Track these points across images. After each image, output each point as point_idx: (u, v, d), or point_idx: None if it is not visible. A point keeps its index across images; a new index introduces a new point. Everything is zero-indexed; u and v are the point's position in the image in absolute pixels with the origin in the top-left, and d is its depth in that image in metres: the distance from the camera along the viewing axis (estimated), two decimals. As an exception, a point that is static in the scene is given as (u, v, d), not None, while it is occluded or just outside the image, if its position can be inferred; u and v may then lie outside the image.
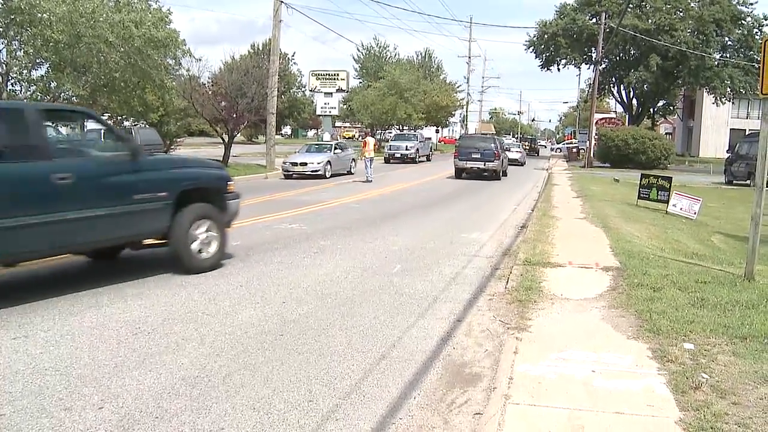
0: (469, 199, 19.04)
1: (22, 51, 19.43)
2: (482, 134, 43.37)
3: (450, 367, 5.37)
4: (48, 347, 5.61)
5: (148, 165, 8.21)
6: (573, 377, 4.79)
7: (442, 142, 75.61)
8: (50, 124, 9.71)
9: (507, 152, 37.23)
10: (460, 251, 10.53)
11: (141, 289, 7.63)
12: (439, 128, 75.59)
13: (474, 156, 28.29)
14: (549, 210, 15.52)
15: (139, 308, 6.83)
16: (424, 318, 6.70)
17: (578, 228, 12.69)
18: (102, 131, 12.47)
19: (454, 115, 72.16)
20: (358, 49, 77.57)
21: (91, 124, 11.80)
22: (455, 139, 66.68)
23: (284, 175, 27.41)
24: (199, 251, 8.47)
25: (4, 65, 19.62)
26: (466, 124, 68.93)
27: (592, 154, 43.25)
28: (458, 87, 74.31)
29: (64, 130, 13.19)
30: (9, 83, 20.00)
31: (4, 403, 4.45)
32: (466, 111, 71.23)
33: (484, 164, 28.21)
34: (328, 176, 27.09)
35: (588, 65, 57.19)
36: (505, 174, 30.61)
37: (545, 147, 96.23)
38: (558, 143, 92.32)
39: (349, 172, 30.10)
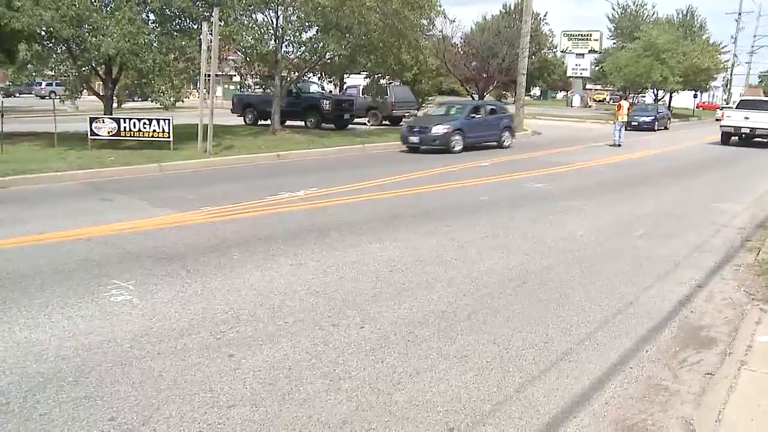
0: (722, 169, 17.82)
1: (296, 15, 21.57)
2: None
3: (685, 328, 5.47)
4: (318, 274, 6.65)
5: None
6: (818, 352, 4.69)
7: (700, 108, 69.54)
8: None
9: None
10: (708, 220, 10.15)
11: (395, 234, 8.52)
12: (698, 93, 69.87)
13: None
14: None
15: (394, 249, 7.70)
16: (664, 281, 6.76)
17: None
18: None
19: (716, 78, 66.14)
20: (613, 8, 73.52)
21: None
22: (717, 105, 61.53)
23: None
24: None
25: (280, 29, 21.93)
26: (730, 89, 62.87)
27: None
28: (723, 48, 67.84)
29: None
30: (283, 45, 22.34)
31: (287, 314, 5.48)
32: (731, 74, 64.86)
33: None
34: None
35: None
36: None
37: None
38: None
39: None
